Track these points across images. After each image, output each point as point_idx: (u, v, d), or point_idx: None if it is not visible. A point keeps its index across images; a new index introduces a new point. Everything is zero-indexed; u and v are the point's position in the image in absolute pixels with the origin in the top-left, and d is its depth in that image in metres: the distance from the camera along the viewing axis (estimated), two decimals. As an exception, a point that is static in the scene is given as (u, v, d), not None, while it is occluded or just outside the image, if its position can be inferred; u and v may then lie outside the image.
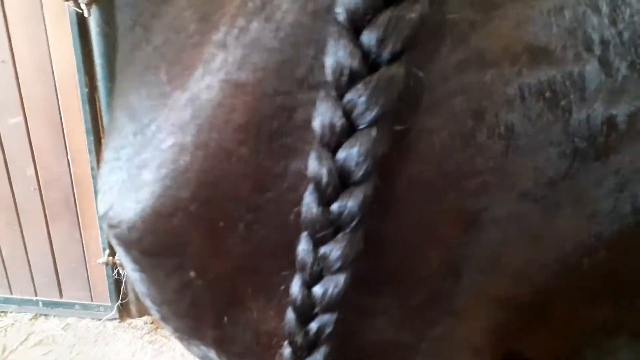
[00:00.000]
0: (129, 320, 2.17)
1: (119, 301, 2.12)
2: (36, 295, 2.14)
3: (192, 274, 0.41)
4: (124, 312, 2.17)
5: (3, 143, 1.86)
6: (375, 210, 0.33)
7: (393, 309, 0.39)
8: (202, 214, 0.38)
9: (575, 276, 0.37)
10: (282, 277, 0.38)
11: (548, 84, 0.32)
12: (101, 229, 1.96)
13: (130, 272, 0.46)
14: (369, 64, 0.30)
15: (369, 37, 0.29)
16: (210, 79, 0.35)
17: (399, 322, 0.40)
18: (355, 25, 0.30)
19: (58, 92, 1.76)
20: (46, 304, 2.16)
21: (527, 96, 0.32)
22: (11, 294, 2.13)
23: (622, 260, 0.37)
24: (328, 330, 0.37)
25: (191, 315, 0.45)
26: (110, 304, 2.13)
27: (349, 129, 0.31)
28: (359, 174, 0.31)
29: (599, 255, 0.36)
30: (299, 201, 0.34)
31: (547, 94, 0.32)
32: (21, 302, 2.16)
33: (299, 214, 0.34)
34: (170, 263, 0.42)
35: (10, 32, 1.68)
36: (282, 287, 0.39)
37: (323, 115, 0.31)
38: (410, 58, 0.30)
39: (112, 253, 1.99)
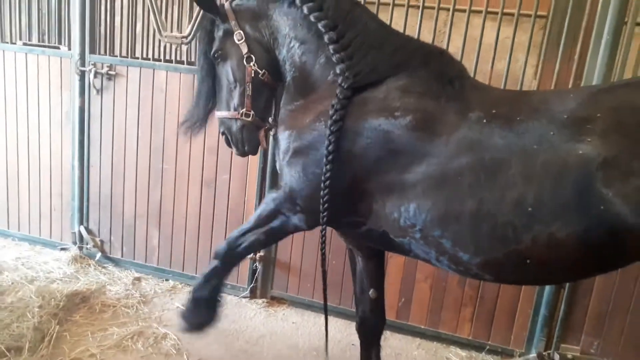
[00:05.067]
0: (254, 300, 3.74)
1: (251, 284, 3.75)
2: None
3: None
4: (253, 293, 3.76)
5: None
6: None
7: None
8: None
9: None
10: None
11: None
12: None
13: None
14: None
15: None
16: None
17: None
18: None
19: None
20: (212, 281, 3.83)
21: None
22: (196, 273, 3.83)
23: None
24: None
25: None
26: (246, 286, 3.75)
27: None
28: None
29: None
30: None
31: None
32: (191, 278, 3.81)
33: None
34: None
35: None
36: None
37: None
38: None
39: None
